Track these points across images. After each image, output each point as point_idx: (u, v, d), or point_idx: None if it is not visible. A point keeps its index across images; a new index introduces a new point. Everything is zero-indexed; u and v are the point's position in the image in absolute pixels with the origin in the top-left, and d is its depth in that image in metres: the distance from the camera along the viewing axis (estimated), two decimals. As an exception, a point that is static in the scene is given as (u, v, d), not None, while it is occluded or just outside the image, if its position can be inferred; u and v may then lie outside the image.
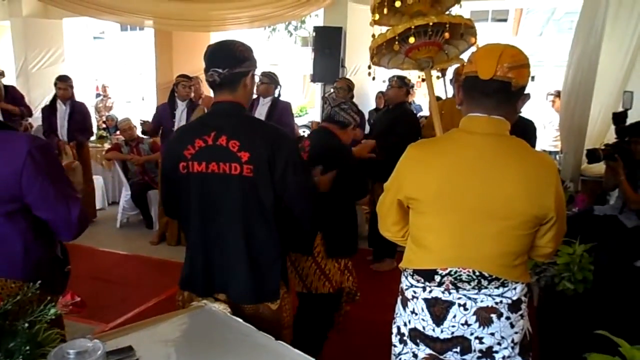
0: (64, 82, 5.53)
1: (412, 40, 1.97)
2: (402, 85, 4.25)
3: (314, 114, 11.33)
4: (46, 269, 1.65)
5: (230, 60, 1.76)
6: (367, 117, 5.82)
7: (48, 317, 1.13)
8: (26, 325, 1.11)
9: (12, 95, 5.82)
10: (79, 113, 5.65)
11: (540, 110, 6.95)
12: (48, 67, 8.22)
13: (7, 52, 8.28)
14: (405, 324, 1.60)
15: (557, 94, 6.33)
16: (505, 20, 16.24)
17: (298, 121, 8.63)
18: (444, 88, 4.48)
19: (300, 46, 14.97)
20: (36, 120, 6.55)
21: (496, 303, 1.47)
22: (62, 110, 5.56)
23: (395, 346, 1.65)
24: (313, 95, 15.25)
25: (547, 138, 6.76)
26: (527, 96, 1.53)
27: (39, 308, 1.15)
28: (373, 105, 6.33)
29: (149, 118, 5.33)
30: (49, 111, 5.64)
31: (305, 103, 17.72)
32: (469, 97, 1.53)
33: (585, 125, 4.43)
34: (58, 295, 1.55)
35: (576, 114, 4.47)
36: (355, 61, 5.55)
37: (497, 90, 1.46)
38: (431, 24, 1.93)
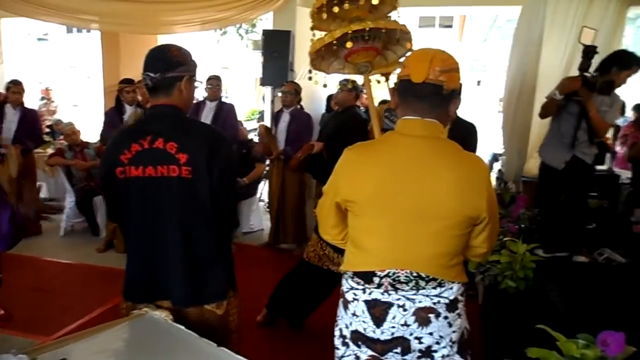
0: (16, 86, 5.29)
1: (349, 45, 2.00)
2: (351, 89, 4.30)
3: (265, 117, 11.28)
4: None
5: (163, 64, 1.75)
6: (319, 120, 5.84)
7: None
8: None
9: None
10: (29, 119, 5.41)
11: (489, 114, 7.17)
12: (-15, 70, 7.85)
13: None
14: (346, 326, 1.61)
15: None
16: (451, 26, 16.70)
17: (249, 125, 8.59)
18: (388, 91, 4.55)
19: (251, 50, 14.89)
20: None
21: (434, 303, 1.50)
22: (12, 115, 5.29)
23: (337, 349, 1.66)
24: (263, 98, 15.19)
25: (497, 142, 6.95)
26: (459, 100, 1.58)
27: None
28: (324, 109, 6.36)
29: (97, 122, 5.18)
30: None
31: (257, 106, 17.63)
32: (403, 100, 1.56)
33: (527, 127, 4.61)
34: None
35: (518, 117, 4.65)
36: (304, 65, 5.51)
37: (430, 93, 1.50)
38: (368, 29, 1.96)
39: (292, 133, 4.86)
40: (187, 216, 1.77)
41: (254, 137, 6.92)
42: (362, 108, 5.17)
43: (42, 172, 6.24)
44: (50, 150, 6.44)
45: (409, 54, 2.05)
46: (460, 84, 1.57)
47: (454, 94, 1.54)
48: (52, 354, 1.42)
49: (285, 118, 4.99)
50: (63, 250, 5.17)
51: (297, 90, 4.95)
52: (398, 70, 2.88)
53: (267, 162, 5.48)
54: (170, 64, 1.75)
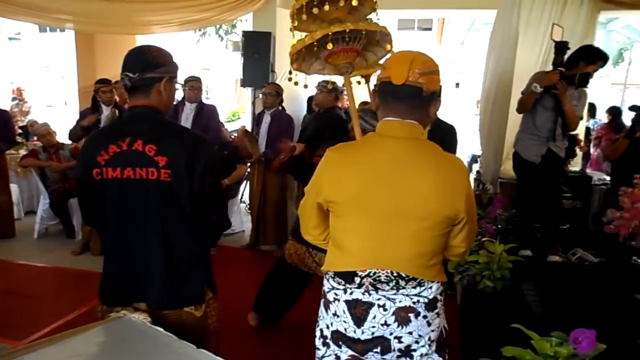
0: None
1: (330, 46, 2.01)
2: (331, 90, 4.31)
3: (245, 119, 11.25)
4: None
5: (142, 65, 1.73)
6: (300, 121, 5.84)
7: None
8: None
9: None
10: (2, 120, 5.27)
11: (467, 115, 7.26)
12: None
13: None
14: (327, 327, 1.61)
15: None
16: (430, 29, 16.90)
17: (229, 126, 8.54)
18: (369, 93, 4.58)
19: (231, 51, 14.82)
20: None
21: (414, 302, 1.52)
22: None
23: (318, 349, 1.66)
24: (244, 100, 15.15)
25: (477, 143, 7.05)
26: (439, 101, 1.60)
27: None
28: (304, 110, 6.37)
29: (72, 122, 5.08)
30: None
31: (238, 108, 17.56)
32: (383, 101, 1.58)
33: (504, 128, 4.68)
34: None
35: (495, 119, 4.72)
36: (285, 66, 5.56)
37: (409, 95, 1.51)
38: (348, 30, 1.97)
39: (273, 134, 4.84)
40: (165, 219, 1.75)
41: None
42: (342, 109, 5.19)
43: (15, 173, 6.09)
44: (23, 152, 6.29)
45: (389, 55, 2.08)
46: (440, 86, 1.59)
47: (434, 96, 1.55)
48: (24, 358, 1.38)
49: (266, 119, 4.97)
50: (37, 253, 5.06)
51: (278, 91, 4.94)
52: (378, 72, 2.94)
53: (248, 164, 5.45)
54: (149, 65, 1.73)
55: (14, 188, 6.00)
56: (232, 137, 6.05)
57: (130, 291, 1.81)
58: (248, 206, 5.69)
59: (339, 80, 4.34)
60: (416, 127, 1.54)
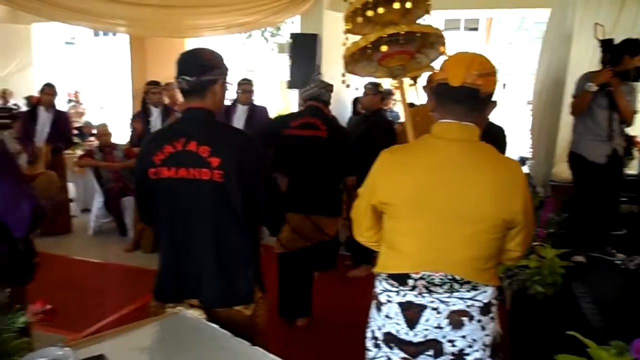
0: (50, 88, 5.45)
1: (384, 48, 2.01)
2: (377, 92, 4.30)
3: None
4: (6, 260, 1.68)
5: (198, 68, 1.77)
6: (345, 123, 5.84)
7: (16, 326, 1.11)
8: (-6, 334, 1.09)
9: None
10: (61, 121, 5.55)
11: (515, 117, 7.10)
12: (16, 74, 8.07)
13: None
14: (379, 328, 1.61)
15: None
16: (476, 29, 16.58)
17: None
18: (416, 95, 4.54)
19: (276, 52, 14.99)
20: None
21: (468, 306, 1.50)
22: (44, 116, 5.43)
23: (369, 350, 1.66)
24: (289, 101, 15.28)
25: (525, 145, 6.89)
26: (495, 103, 1.58)
27: (7, 316, 1.13)
28: (349, 112, 6.36)
29: (124, 124, 5.27)
30: (29, 117, 5.50)
31: (282, 109, 17.74)
32: (440, 103, 1.57)
33: (556, 130, 4.55)
34: (23, 286, 1.69)
35: (546, 120, 4.59)
36: (331, 68, 5.57)
37: (467, 97, 1.50)
38: (403, 32, 1.97)
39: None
40: (218, 218, 1.79)
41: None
42: (387, 111, 5.16)
43: (71, 172, 6.36)
44: (79, 152, 6.57)
45: (442, 57, 2.06)
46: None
47: (490, 98, 1.54)
48: (88, 349, 1.45)
49: (312, 121, 4.98)
50: (91, 250, 5.27)
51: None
52: (428, 74, 2.92)
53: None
54: (205, 67, 1.78)
55: (70, 186, 6.28)
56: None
57: (182, 289, 1.85)
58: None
59: (385, 82, 4.36)
60: (473, 129, 1.53)
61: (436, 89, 1.59)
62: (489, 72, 1.50)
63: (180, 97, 5.97)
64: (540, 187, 4.64)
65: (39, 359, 1.05)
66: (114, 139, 5.99)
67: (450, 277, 1.49)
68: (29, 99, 7.48)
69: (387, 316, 1.58)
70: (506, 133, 3.46)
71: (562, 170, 4.33)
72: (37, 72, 8.42)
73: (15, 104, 7.82)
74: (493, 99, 1.57)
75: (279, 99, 19.13)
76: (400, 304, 1.54)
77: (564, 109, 4.31)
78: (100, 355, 1.37)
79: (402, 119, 7.50)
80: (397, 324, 1.55)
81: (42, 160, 5.29)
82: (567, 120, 4.30)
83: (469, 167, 1.49)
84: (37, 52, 8.39)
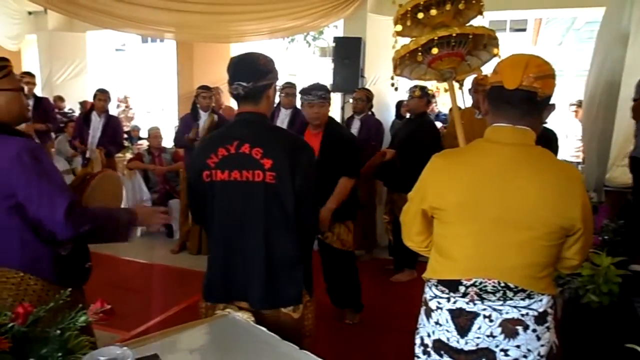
0: (103, 94, 5.63)
1: (435, 51, 1.98)
2: (423, 95, 4.25)
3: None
4: (50, 263, 1.76)
5: (254, 73, 1.80)
6: (389, 126, 5.81)
7: (78, 325, 1.15)
8: (57, 332, 1.13)
9: (43, 107, 5.96)
10: (113, 126, 5.74)
11: (562, 120, 6.90)
12: (72, 79, 8.43)
13: (33, 65, 8.51)
14: (429, 335, 1.59)
15: (579, 104, 6.28)
16: (524, 30, 16.12)
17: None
18: (462, 98, 4.46)
19: (318, 56, 15.05)
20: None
21: (522, 315, 1.46)
22: (97, 121, 5.62)
23: (418, 357, 1.64)
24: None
25: (569, 148, 6.69)
26: (553, 106, 1.53)
27: (69, 315, 1.18)
28: (393, 115, 6.32)
29: (170, 128, 5.39)
30: (82, 122, 5.73)
31: (323, 113, 17.79)
32: (494, 107, 1.53)
33: (609, 134, 4.37)
34: (77, 291, 1.73)
35: (599, 124, 4.42)
36: (374, 71, 5.56)
37: (523, 100, 1.46)
38: (454, 34, 1.93)
39: (363, 140, 4.84)
40: (269, 220, 1.81)
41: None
42: (431, 114, 5.09)
43: (122, 175, 6.58)
44: (129, 155, 6.78)
45: (495, 59, 2.01)
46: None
47: (548, 101, 1.49)
48: (141, 349, 1.49)
49: (355, 124, 4.98)
50: (140, 251, 5.40)
51: (368, 96, 4.95)
52: (474, 76, 2.86)
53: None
54: (260, 73, 1.81)
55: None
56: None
57: (232, 289, 1.88)
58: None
59: (428, 85, 4.29)
60: (528, 133, 1.48)
61: (489, 92, 1.55)
62: (547, 75, 1.46)
63: (224, 101, 6.11)
64: (594, 193, 4.47)
65: (99, 357, 1.08)
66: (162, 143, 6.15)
67: (503, 285, 1.45)
68: (82, 104, 7.79)
69: (437, 323, 1.55)
70: (557, 136, 3.36)
71: (617, 175, 4.15)
72: (90, 78, 8.78)
73: (70, 109, 8.18)
74: (551, 102, 1.52)
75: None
76: (451, 311, 1.52)
77: (618, 112, 4.14)
78: (155, 355, 1.40)
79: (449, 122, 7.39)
80: (448, 331, 1.52)
81: (98, 165, 5.49)
82: (621, 123, 4.13)
83: (524, 172, 1.45)
84: (90, 58, 8.74)
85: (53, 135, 6.39)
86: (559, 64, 10.44)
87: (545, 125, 3.36)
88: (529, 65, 1.44)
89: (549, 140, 3.22)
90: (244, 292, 1.87)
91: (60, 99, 8.12)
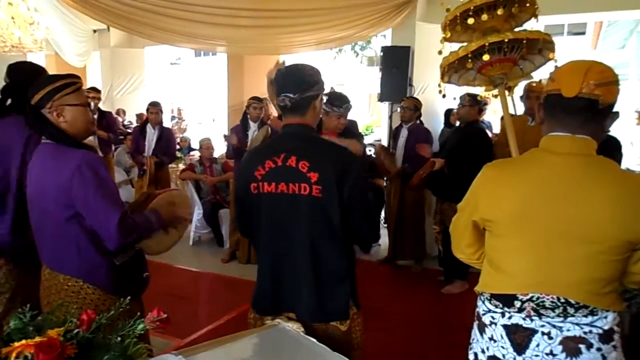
0: (155, 107, 5.87)
1: (486, 57, 1.92)
2: (474, 103, 4.16)
3: (381, 133, 11.31)
4: (106, 273, 1.86)
5: (300, 85, 1.79)
6: (438, 134, 5.72)
7: (137, 332, 1.18)
8: (118, 339, 1.17)
9: (107, 120, 6.27)
10: (166, 138, 5.95)
11: (626, 126, 6.60)
12: (130, 93, 8.81)
13: (96, 80, 8.95)
14: (482, 351, 1.54)
15: (642, 111, 6.00)
16: (583, 33, 15.45)
17: (365, 140, 8.64)
18: (512, 105, 4.34)
19: (366, 66, 15.05)
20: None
21: (585, 333, 1.39)
22: (151, 133, 5.86)
23: (473, 373, 1.59)
24: (379, 113, 15.25)
25: (634, 157, 6.38)
26: (616, 114, 1.46)
27: (128, 322, 1.21)
28: (442, 123, 6.22)
29: (220, 138, 5.51)
30: (139, 133, 5.98)
31: (372, 122, 17.75)
32: (550, 115, 1.47)
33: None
34: (135, 300, 1.80)
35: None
36: (423, 79, 5.50)
37: (582, 108, 1.40)
38: (507, 40, 1.87)
39: (411, 149, 4.79)
40: (315, 233, 1.79)
41: (369, 151, 6.92)
42: (483, 122, 4.97)
43: (175, 185, 6.78)
44: (181, 166, 6.98)
45: (550, 63, 1.94)
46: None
47: (611, 109, 1.42)
48: (196, 357, 1.51)
49: (404, 134, 4.94)
50: (192, 259, 5.54)
51: (416, 105, 4.90)
52: (524, 82, 2.77)
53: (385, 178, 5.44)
54: (307, 84, 1.80)
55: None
56: (369, 151, 6.09)
57: (280, 301, 1.87)
58: (384, 219, 5.67)
59: (478, 92, 4.20)
60: (589, 142, 1.42)
61: (546, 100, 1.49)
62: (610, 82, 1.39)
63: (272, 112, 6.21)
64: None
65: (156, 364, 1.10)
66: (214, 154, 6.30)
67: (563, 300, 1.39)
68: (139, 116, 8.11)
69: (491, 339, 1.50)
70: (621, 144, 3.20)
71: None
72: (147, 91, 9.15)
73: (128, 121, 8.53)
74: (614, 109, 1.44)
75: (368, 112, 19.16)
76: (506, 327, 1.46)
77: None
78: (207, 364, 1.42)
79: (495, 129, 7.21)
80: (503, 347, 1.47)
81: (149, 172, 5.69)
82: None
83: (585, 184, 1.38)
84: (148, 72, 9.11)
85: (113, 147, 6.67)
86: (622, 68, 9.95)
87: (608, 133, 3.22)
88: (590, 72, 1.38)
89: (612, 149, 3.07)
90: (291, 305, 1.86)
91: (123, 112, 8.49)
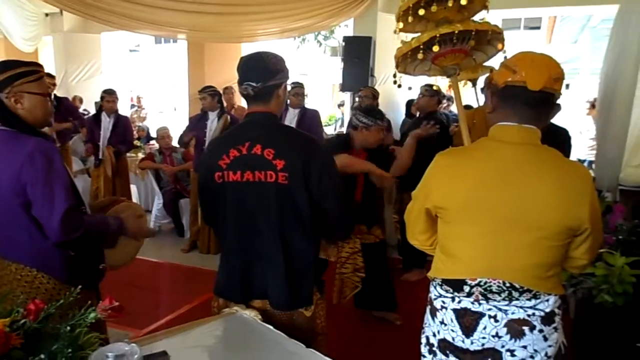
0: (110, 95, 5.68)
1: (436, 48, 1.95)
2: (434, 94, 4.23)
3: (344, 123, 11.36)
4: (60, 263, 1.81)
5: (263, 73, 1.78)
6: (399, 125, 5.80)
7: (88, 321, 1.17)
8: (68, 328, 1.15)
9: (65, 107, 6.05)
10: (122, 126, 5.77)
11: (576, 118, 6.85)
12: (87, 80, 8.54)
13: (49, 66, 8.63)
14: (434, 334, 1.59)
15: (594, 103, 6.23)
16: (538, 27, 15.93)
17: (326, 130, 8.68)
18: (475, 97, 4.44)
19: (329, 56, 15.05)
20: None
21: (528, 315, 1.45)
22: (107, 122, 5.67)
23: (424, 356, 1.64)
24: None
25: (583, 146, 6.64)
26: (559, 107, 1.52)
27: (79, 312, 1.20)
28: (403, 114, 6.30)
29: (181, 128, 5.43)
30: (93, 122, 5.78)
31: (334, 112, 17.80)
32: (507, 106, 1.50)
33: (624, 133, 4.31)
34: (90, 290, 1.79)
35: (613, 123, 4.36)
36: (384, 70, 5.56)
37: (541, 101, 1.46)
38: (457, 32, 1.91)
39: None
40: (283, 221, 1.80)
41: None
42: (442, 113, 5.07)
43: (134, 175, 6.64)
44: (140, 155, 6.84)
45: (500, 54, 1.99)
46: None
47: (556, 101, 1.49)
48: (150, 346, 1.50)
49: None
50: (151, 249, 5.43)
51: (374, 95, 4.94)
52: (486, 75, 2.84)
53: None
54: (270, 73, 1.79)
55: (133, 189, 6.54)
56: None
57: (249, 289, 1.87)
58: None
59: (442, 83, 4.27)
60: (535, 132, 1.48)
61: (504, 91, 1.51)
62: (562, 76, 1.46)
63: (236, 101, 6.13)
64: (607, 192, 4.41)
65: (108, 353, 1.10)
66: (173, 142, 6.19)
67: (508, 285, 1.45)
68: (98, 104, 7.88)
69: (442, 322, 1.55)
70: (570, 135, 3.32)
71: (631, 174, 4.09)
72: (105, 79, 8.88)
73: (85, 110, 8.28)
74: (557, 102, 1.51)
75: (331, 102, 19.19)
76: (456, 311, 1.51)
77: (634, 110, 4.08)
78: (163, 352, 1.41)
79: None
80: (453, 330, 1.52)
81: (108, 164, 5.55)
82: (636, 122, 4.07)
83: (530, 172, 1.44)
84: (105, 59, 8.85)
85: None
86: (574, 62, 10.31)
87: (555, 123, 3.34)
88: (550, 67, 1.44)
89: (562, 140, 3.18)
90: (261, 292, 1.86)
91: (80, 99, 8.23)
